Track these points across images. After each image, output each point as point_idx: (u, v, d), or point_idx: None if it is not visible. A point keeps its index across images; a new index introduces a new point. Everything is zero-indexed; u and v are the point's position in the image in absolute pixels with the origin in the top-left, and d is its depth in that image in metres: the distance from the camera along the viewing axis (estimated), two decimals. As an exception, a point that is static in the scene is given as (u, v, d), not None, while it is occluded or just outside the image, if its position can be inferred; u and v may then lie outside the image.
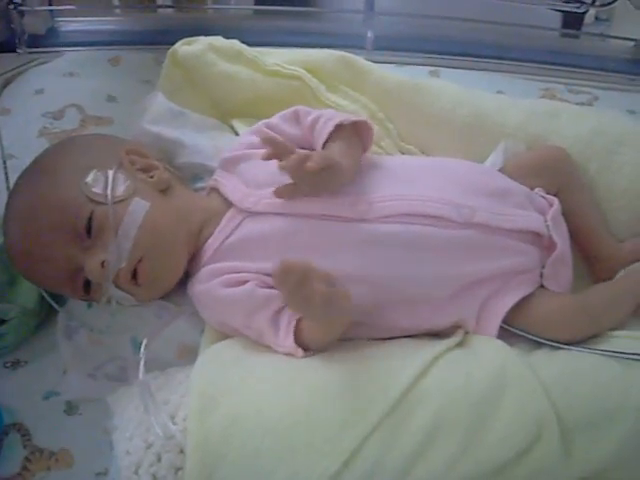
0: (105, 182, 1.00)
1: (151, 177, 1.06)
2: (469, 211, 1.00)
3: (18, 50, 1.74)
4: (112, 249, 0.97)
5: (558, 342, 0.95)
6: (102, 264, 0.96)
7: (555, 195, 1.12)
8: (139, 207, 0.99)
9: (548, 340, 0.96)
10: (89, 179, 1.00)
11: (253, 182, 1.06)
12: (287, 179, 0.99)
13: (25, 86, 1.59)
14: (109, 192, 0.99)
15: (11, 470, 0.96)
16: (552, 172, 1.15)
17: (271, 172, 1.01)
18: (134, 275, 0.99)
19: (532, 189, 1.11)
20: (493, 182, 1.08)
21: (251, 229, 1.02)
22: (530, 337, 0.97)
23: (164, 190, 1.06)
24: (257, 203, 1.03)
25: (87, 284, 1.00)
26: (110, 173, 1.01)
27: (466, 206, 1.01)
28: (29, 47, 1.74)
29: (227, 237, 1.03)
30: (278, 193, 1.00)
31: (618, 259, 1.14)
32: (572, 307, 1.00)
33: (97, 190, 0.99)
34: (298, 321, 0.94)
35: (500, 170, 1.15)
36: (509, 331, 0.98)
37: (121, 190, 1.00)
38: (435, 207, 1.00)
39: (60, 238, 0.97)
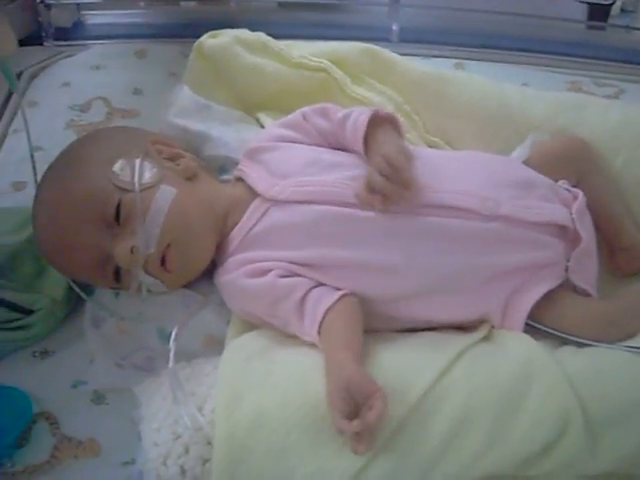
0: (132, 170, 1.02)
1: (177, 165, 1.07)
2: (494, 203, 1.00)
3: (45, 43, 1.76)
4: (140, 235, 0.98)
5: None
6: (131, 250, 0.98)
7: (577, 185, 1.12)
8: (166, 194, 1.01)
9: (573, 336, 0.95)
10: (116, 168, 1.01)
11: (279, 172, 1.06)
12: (314, 170, 1.02)
13: (52, 79, 1.61)
14: (136, 180, 1.00)
15: (40, 458, 0.97)
16: (574, 161, 1.15)
17: (297, 163, 1.04)
18: (163, 261, 1.01)
19: (556, 181, 1.11)
20: (518, 174, 1.08)
21: (277, 218, 1.02)
22: (556, 333, 0.96)
23: (190, 178, 1.07)
24: (282, 192, 1.03)
25: (117, 272, 1.01)
26: (137, 162, 1.02)
27: (491, 198, 1.00)
28: (56, 40, 1.77)
29: (253, 226, 1.04)
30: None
31: None
32: (600, 316, 0.98)
33: (124, 178, 1.01)
34: (325, 313, 0.94)
35: (525, 162, 1.14)
36: (535, 328, 0.98)
37: (148, 178, 1.02)
38: (461, 200, 1.00)
39: (89, 227, 0.99)
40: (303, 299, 0.96)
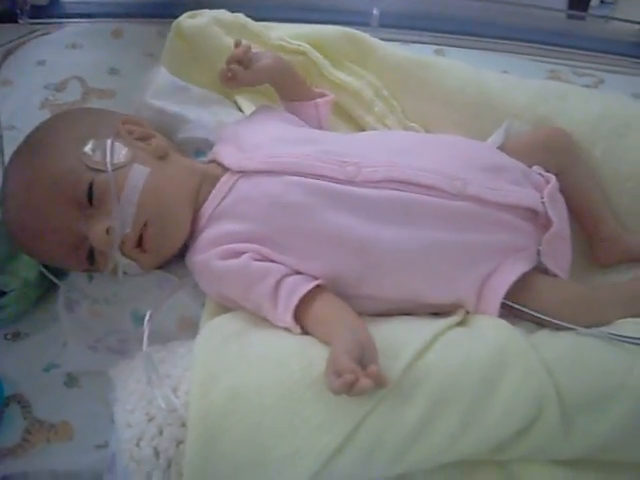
0: (103, 150, 1.00)
1: (149, 144, 1.07)
2: (462, 183, 1.00)
3: (20, 21, 1.72)
4: (116, 215, 0.97)
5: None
6: (107, 231, 0.97)
7: (557, 176, 1.12)
8: (139, 172, 1.00)
9: (549, 317, 0.96)
10: (87, 148, 1.00)
11: (248, 146, 1.06)
12: (284, 143, 1.04)
13: (27, 57, 1.58)
14: (108, 159, 0.99)
15: (11, 441, 0.97)
16: (552, 151, 1.15)
17: (267, 137, 1.05)
18: (139, 242, 1.00)
19: (530, 167, 1.11)
20: (488, 158, 1.08)
21: (245, 189, 1.02)
22: (532, 313, 0.97)
23: (162, 157, 1.07)
24: (251, 162, 1.03)
25: (91, 254, 1.00)
26: (108, 142, 1.01)
27: (459, 178, 1.01)
28: (31, 18, 1.73)
29: (222, 200, 1.03)
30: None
31: (620, 242, 1.14)
32: (575, 297, 1.00)
33: (96, 158, 0.99)
34: (300, 300, 0.93)
35: (499, 148, 1.15)
36: (511, 312, 0.98)
37: (120, 157, 1.01)
38: (427, 177, 1.00)
39: (61, 209, 0.98)
40: (277, 285, 0.96)
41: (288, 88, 1.19)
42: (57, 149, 1.01)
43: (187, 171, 1.08)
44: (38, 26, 1.70)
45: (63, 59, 1.55)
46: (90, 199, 0.98)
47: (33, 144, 1.04)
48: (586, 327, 0.94)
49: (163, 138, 1.12)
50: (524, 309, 0.97)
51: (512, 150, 1.14)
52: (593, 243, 1.17)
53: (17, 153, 1.04)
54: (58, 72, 1.50)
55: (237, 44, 1.11)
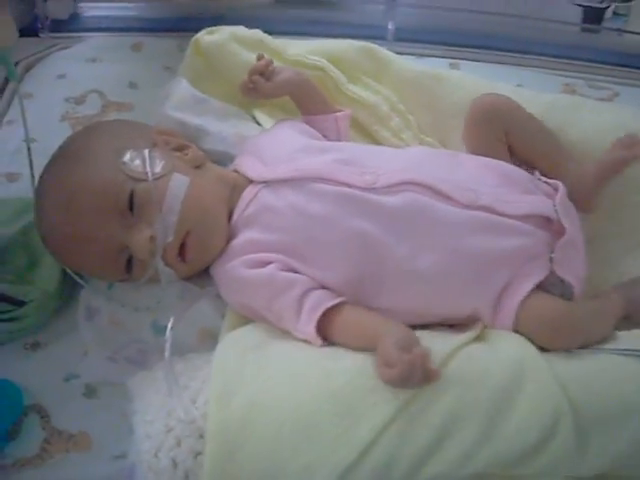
0: (142, 160, 1.02)
1: (186, 155, 1.09)
2: (473, 194, 1.01)
3: (41, 34, 1.76)
4: (158, 224, 0.98)
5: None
6: (150, 239, 0.98)
7: (507, 137, 1.14)
8: (180, 182, 1.02)
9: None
10: (126, 158, 1.01)
11: (270, 159, 1.08)
12: (304, 154, 1.06)
13: (47, 71, 1.61)
14: (148, 168, 1.01)
15: (30, 451, 0.97)
16: (493, 117, 1.15)
17: (288, 149, 1.08)
18: (180, 250, 1.01)
19: (532, 173, 1.12)
20: (500, 173, 1.08)
21: (268, 199, 1.04)
22: None
23: (199, 167, 1.09)
24: (273, 172, 1.05)
25: (129, 263, 1.02)
26: (146, 152, 1.03)
27: (471, 189, 1.02)
28: (52, 32, 1.77)
29: (245, 208, 1.05)
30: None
31: (587, 172, 1.13)
32: (560, 315, 0.97)
33: (136, 168, 1.01)
34: (324, 312, 0.95)
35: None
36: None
37: (159, 167, 1.02)
38: (439, 184, 1.01)
39: (103, 218, 0.99)
40: (302, 297, 0.97)
41: (308, 101, 1.21)
42: (96, 159, 1.02)
43: (221, 179, 1.10)
44: (59, 40, 1.74)
45: (83, 72, 1.58)
46: (131, 208, 0.99)
47: (69, 155, 1.05)
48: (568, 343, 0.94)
49: (197, 148, 1.14)
50: None
51: (467, 139, 1.18)
52: (569, 192, 1.11)
53: (53, 164, 1.05)
54: (78, 85, 1.53)
55: (260, 57, 1.15)
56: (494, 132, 1.14)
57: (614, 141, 1.13)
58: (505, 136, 1.15)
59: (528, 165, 1.14)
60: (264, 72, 1.14)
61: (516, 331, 0.96)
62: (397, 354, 0.83)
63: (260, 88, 1.13)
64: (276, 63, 1.20)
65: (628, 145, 1.13)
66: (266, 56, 1.16)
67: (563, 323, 0.96)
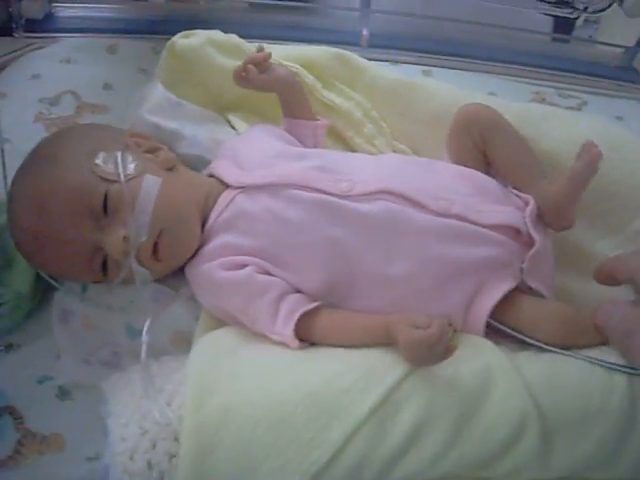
0: (115, 162, 1.03)
1: (157, 157, 1.10)
2: (446, 203, 1.03)
3: (15, 34, 1.74)
4: (131, 224, 0.99)
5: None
6: (123, 239, 0.98)
7: (484, 147, 1.15)
8: (152, 183, 1.02)
9: (533, 339, 0.97)
10: (99, 160, 1.02)
11: (247, 164, 1.10)
12: (281, 160, 1.08)
13: (21, 71, 1.59)
14: (121, 170, 1.01)
15: (3, 453, 0.97)
16: (471, 126, 1.15)
17: (265, 154, 1.09)
18: (154, 250, 1.02)
19: (479, 161, 1.15)
20: (473, 182, 1.10)
21: (244, 203, 1.05)
22: (516, 334, 0.98)
23: (171, 169, 1.10)
24: (250, 177, 1.07)
25: (104, 264, 1.02)
26: (118, 154, 1.04)
27: (443, 198, 1.03)
28: (26, 32, 1.75)
29: (221, 213, 1.06)
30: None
31: (560, 197, 1.10)
32: (556, 315, 0.99)
33: (108, 170, 1.01)
34: (302, 315, 0.96)
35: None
36: (495, 331, 1.00)
37: (131, 168, 1.03)
38: (415, 193, 1.03)
39: (77, 219, 0.99)
40: (278, 300, 0.98)
41: (294, 104, 1.23)
42: (69, 161, 1.02)
43: (194, 183, 1.11)
44: (33, 40, 1.72)
45: (57, 73, 1.57)
46: (105, 209, 1.00)
47: (42, 157, 1.05)
48: (567, 346, 0.95)
49: (170, 150, 1.14)
50: (507, 330, 0.99)
51: (447, 148, 1.18)
52: (541, 210, 1.12)
53: (26, 166, 1.05)
54: (52, 86, 1.52)
55: (260, 49, 1.18)
56: (474, 141, 1.15)
57: (577, 153, 1.11)
58: (483, 145, 1.15)
59: (503, 178, 1.15)
60: (260, 64, 1.16)
61: (518, 330, 0.98)
62: (427, 318, 0.87)
63: (252, 78, 1.16)
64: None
65: (588, 152, 1.11)
66: (266, 50, 1.19)
67: (559, 323, 0.98)
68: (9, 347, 1.10)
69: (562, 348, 0.95)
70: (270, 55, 1.18)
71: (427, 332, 0.86)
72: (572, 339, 0.97)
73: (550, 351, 0.95)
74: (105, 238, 1.00)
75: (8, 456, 0.97)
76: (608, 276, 0.99)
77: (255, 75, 1.16)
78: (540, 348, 0.96)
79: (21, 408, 1.02)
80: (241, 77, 1.17)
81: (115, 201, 1.00)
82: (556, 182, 1.10)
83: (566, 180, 1.09)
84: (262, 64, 1.17)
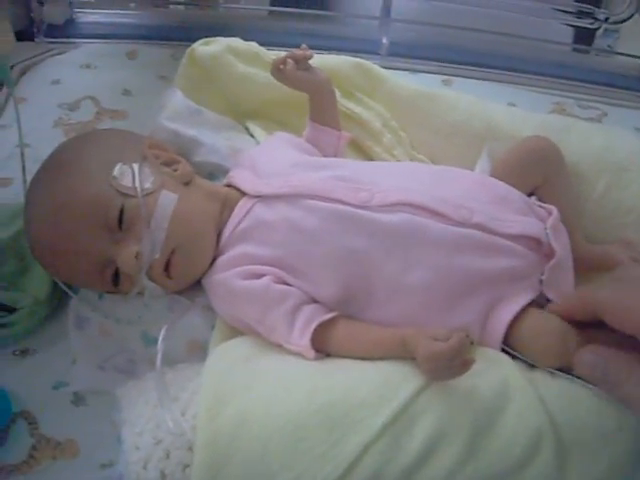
0: (132, 175, 1.02)
1: (175, 170, 1.09)
2: (467, 212, 1.02)
3: (36, 39, 1.76)
4: (145, 241, 0.99)
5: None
6: (136, 255, 0.98)
7: (541, 186, 1.15)
8: (168, 199, 1.02)
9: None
10: (116, 173, 1.02)
11: (265, 173, 1.09)
12: (300, 169, 1.07)
13: (41, 76, 1.61)
14: (138, 185, 1.01)
15: (18, 458, 0.97)
16: (540, 161, 1.16)
17: (283, 163, 1.08)
18: (166, 267, 1.02)
19: (526, 187, 1.13)
20: (494, 190, 1.09)
21: (262, 213, 1.05)
22: (527, 360, 0.95)
23: (187, 183, 1.09)
24: (268, 187, 1.06)
25: (116, 276, 1.02)
26: (135, 167, 1.03)
27: (465, 207, 1.02)
28: (47, 37, 1.77)
29: (239, 223, 1.06)
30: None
31: (586, 259, 1.14)
32: (554, 330, 0.95)
33: (125, 183, 1.01)
34: (318, 325, 0.96)
35: (491, 174, 1.17)
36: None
37: (149, 183, 1.03)
38: (435, 203, 1.01)
39: (92, 231, 0.99)
40: (295, 309, 0.98)
41: (323, 110, 1.22)
42: (87, 171, 1.02)
43: (211, 196, 1.10)
44: (54, 45, 1.74)
45: (77, 79, 1.58)
46: (120, 223, 1.00)
47: (60, 165, 1.05)
48: (564, 362, 0.92)
49: (187, 163, 1.14)
50: (517, 354, 0.96)
51: (501, 170, 1.16)
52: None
53: (43, 172, 1.05)
54: (72, 92, 1.53)
55: (303, 48, 1.18)
56: (534, 175, 1.15)
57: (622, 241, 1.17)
58: (542, 182, 1.15)
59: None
60: (300, 61, 1.17)
61: (510, 347, 0.96)
62: (446, 330, 0.86)
63: (288, 73, 1.16)
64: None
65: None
66: (310, 50, 1.19)
67: (556, 339, 0.94)
68: (25, 352, 1.10)
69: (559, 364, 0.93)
70: (312, 56, 1.18)
71: (447, 344, 0.85)
72: (559, 354, 0.93)
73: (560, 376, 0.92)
74: (118, 252, 0.99)
75: (22, 461, 0.97)
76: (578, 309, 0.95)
77: (292, 70, 1.16)
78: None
79: (36, 413, 1.02)
80: (278, 69, 1.17)
81: (131, 216, 1.00)
82: (592, 245, 1.17)
83: (602, 251, 1.17)
84: (302, 62, 1.17)
